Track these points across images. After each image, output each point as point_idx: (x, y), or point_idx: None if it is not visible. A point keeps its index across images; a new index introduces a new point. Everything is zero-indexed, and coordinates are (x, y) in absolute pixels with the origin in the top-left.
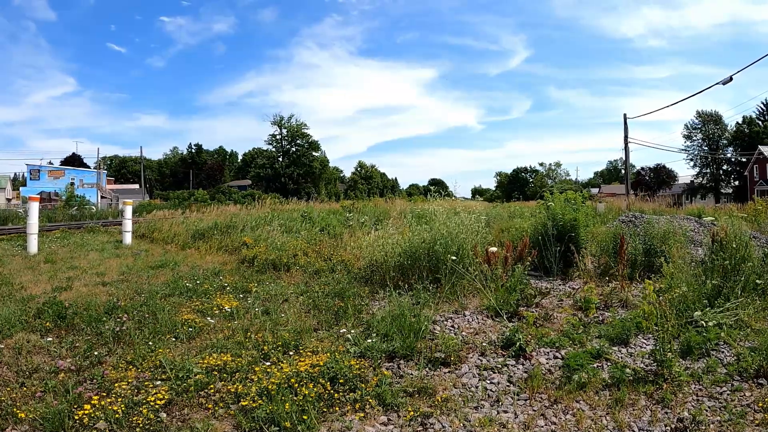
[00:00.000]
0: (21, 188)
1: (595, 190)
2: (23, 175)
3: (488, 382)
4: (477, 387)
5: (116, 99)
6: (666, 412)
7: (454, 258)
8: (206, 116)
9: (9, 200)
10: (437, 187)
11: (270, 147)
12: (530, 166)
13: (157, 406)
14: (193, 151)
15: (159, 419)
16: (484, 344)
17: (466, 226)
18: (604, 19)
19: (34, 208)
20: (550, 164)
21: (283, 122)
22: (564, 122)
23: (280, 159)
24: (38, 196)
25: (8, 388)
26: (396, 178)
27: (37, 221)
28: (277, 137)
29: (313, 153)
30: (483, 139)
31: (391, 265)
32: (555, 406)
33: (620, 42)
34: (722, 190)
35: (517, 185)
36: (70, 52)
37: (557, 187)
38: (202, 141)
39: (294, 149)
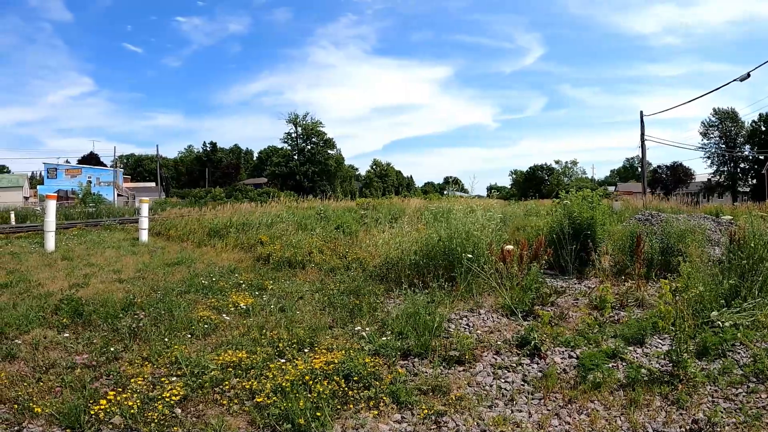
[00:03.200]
0: (38, 187)
1: (611, 189)
2: (40, 173)
3: (503, 381)
4: (491, 386)
5: (132, 98)
6: (681, 413)
7: (470, 256)
8: (221, 115)
9: (26, 198)
10: (453, 184)
11: (285, 145)
12: (546, 164)
13: (172, 402)
14: (209, 149)
15: (174, 415)
16: (498, 343)
17: (482, 224)
18: (617, 16)
19: (51, 206)
20: (567, 162)
21: (298, 120)
22: (579, 120)
23: (296, 157)
24: (55, 194)
25: (25, 383)
26: (411, 176)
27: (55, 219)
28: (293, 135)
29: (329, 151)
30: (498, 137)
31: (407, 263)
32: (569, 405)
33: (634, 39)
34: (739, 189)
35: (533, 183)
36: (87, 53)
37: (573, 185)
38: (217, 139)
39: (309, 147)
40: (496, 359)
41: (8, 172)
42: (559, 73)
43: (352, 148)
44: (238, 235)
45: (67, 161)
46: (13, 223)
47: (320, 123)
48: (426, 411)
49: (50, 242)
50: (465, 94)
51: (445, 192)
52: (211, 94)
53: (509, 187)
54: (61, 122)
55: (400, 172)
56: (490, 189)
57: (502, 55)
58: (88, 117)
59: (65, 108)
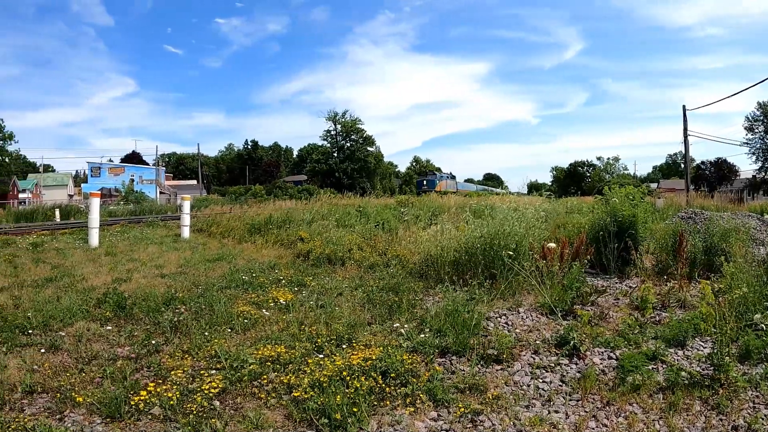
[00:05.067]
0: (82, 185)
1: (654, 185)
2: (84, 172)
3: (540, 380)
4: (529, 385)
5: (174, 99)
6: (721, 419)
7: (510, 253)
8: (261, 114)
9: (71, 196)
10: (493, 181)
11: (325, 143)
12: (587, 161)
13: (211, 395)
14: (249, 147)
15: (212, 407)
16: (537, 342)
17: (523, 221)
18: (659, 8)
19: (95, 203)
20: (608, 158)
21: (337, 118)
22: (621, 115)
23: (335, 154)
24: (99, 192)
25: (68, 374)
26: (451, 172)
27: (98, 216)
28: (332, 133)
29: (368, 148)
30: (538, 133)
31: (447, 260)
32: (607, 407)
33: (676, 31)
34: None
35: (574, 180)
36: (129, 55)
37: (615, 182)
38: (258, 138)
39: (348, 145)
40: (534, 359)
41: (53, 171)
42: (599, 67)
43: (392, 145)
44: (278, 231)
45: (110, 160)
46: (58, 220)
47: (359, 120)
48: (462, 409)
49: (94, 238)
50: (505, 90)
51: (485, 189)
52: (251, 93)
53: (550, 183)
54: (105, 122)
55: (439, 168)
56: (530, 186)
57: (542, 49)
58: (131, 117)
59: (109, 109)
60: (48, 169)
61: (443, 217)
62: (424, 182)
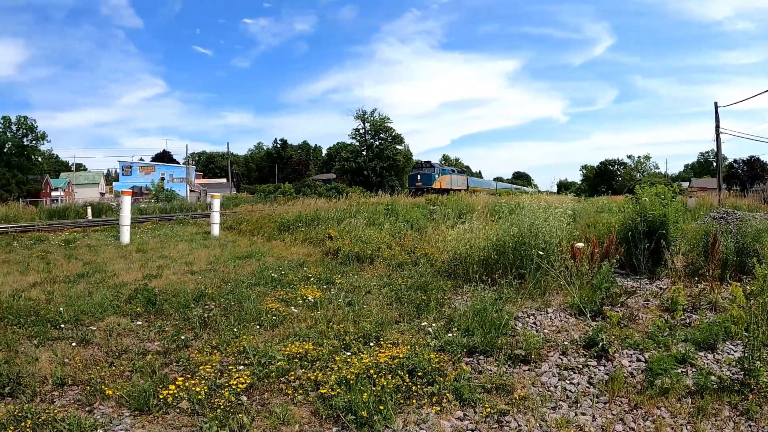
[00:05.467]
0: (114, 183)
1: (685, 184)
2: (116, 171)
3: (568, 382)
4: (556, 387)
5: (203, 99)
6: (750, 425)
7: (540, 253)
8: (290, 113)
9: (102, 194)
10: (522, 180)
11: (354, 141)
12: (618, 159)
13: (238, 390)
14: (279, 146)
15: (240, 402)
16: (565, 343)
17: (553, 220)
18: (688, 2)
19: (127, 201)
20: (639, 157)
21: (366, 116)
22: (651, 112)
23: (364, 153)
24: (130, 190)
25: (98, 367)
26: (480, 171)
27: (129, 213)
28: (361, 131)
29: (397, 146)
30: (568, 131)
31: (475, 259)
32: (635, 411)
33: (707, 26)
34: None
35: (604, 179)
36: (158, 56)
37: (646, 181)
38: (287, 136)
39: (377, 143)
40: (562, 360)
41: (85, 169)
42: (629, 63)
43: (421, 144)
44: (307, 229)
45: (141, 159)
46: (90, 217)
47: (388, 119)
48: (489, 409)
49: (125, 235)
50: (534, 87)
51: (507, 187)
52: (279, 92)
53: (579, 182)
54: (136, 122)
55: (468, 167)
56: (560, 185)
57: (571, 45)
58: (161, 117)
59: (139, 109)
60: (80, 167)
61: (472, 215)
62: (418, 177)
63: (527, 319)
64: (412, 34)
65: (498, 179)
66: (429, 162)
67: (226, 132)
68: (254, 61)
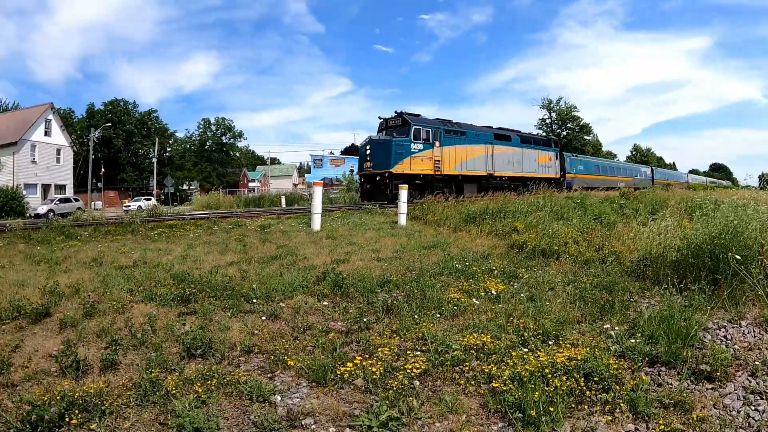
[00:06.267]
0: (306, 175)
1: None
2: (308, 164)
3: (752, 408)
4: (739, 411)
5: (388, 94)
6: None
7: (738, 257)
8: (474, 104)
9: (295, 185)
10: (721, 173)
11: (540, 132)
12: None
13: (412, 374)
14: None
15: (412, 386)
16: (756, 363)
17: (757, 220)
18: None
19: (318, 191)
20: None
21: (551, 106)
22: None
23: None
24: (321, 181)
25: (283, 340)
26: (674, 163)
27: (320, 203)
28: (547, 121)
29: (585, 137)
30: None
31: (667, 261)
32: None
33: None
34: None
35: None
36: (342, 57)
37: None
38: None
39: (565, 133)
40: (750, 382)
41: (279, 163)
42: None
43: (610, 133)
44: (493, 222)
45: (331, 153)
46: (284, 205)
47: (575, 107)
48: (662, 426)
49: (316, 222)
50: (729, 66)
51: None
52: (462, 84)
53: None
54: (324, 119)
55: (662, 158)
56: (763, 179)
57: None
58: (348, 113)
59: (327, 107)
60: (274, 161)
61: (665, 212)
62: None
63: (717, 331)
64: (592, 15)
65: (693, 171)
66: (405, 115)
67: None
68: (434, 55)
